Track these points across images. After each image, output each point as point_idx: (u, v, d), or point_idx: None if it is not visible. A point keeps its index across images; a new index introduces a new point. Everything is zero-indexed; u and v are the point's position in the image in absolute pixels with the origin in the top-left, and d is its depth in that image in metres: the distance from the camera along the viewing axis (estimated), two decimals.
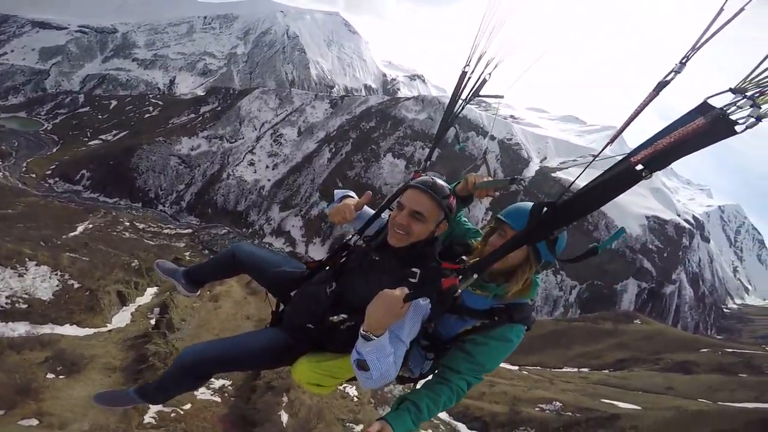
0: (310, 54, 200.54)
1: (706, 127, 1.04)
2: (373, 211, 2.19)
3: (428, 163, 2.37)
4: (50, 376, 7.37)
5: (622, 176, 1.25)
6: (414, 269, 1.81)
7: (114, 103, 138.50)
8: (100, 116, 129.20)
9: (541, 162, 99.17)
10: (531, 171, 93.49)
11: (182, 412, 7.40)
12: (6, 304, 10.82)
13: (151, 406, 7.29)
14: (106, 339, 10.43)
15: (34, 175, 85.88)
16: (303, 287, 2.13)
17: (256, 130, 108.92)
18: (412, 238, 1.84)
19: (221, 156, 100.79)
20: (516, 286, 1.85)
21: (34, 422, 6.03)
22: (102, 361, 8.21)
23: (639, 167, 1.21)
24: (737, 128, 1.02)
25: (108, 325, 12.41)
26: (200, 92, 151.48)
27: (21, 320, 10.26)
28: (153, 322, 12.44)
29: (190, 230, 79.43)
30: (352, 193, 2.25)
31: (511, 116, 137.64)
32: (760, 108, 1.01)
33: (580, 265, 74.73)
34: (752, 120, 1.01)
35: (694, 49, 1.16)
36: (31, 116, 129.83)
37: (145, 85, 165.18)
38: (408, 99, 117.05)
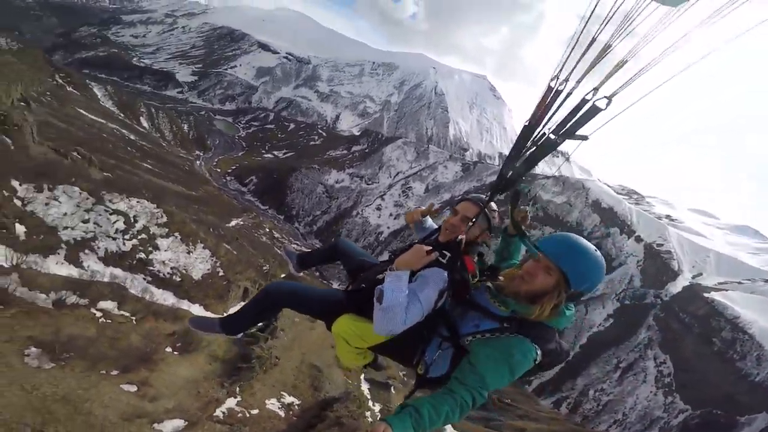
0: (451, 113, 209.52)
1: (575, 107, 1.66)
2: (436, 226, 2.73)
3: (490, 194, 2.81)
4: (168, 350, 7.95)
5: (543, 146, 1.78)
6: (445, 252, 2.17)
7: (292, 126, 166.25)
8: (279, 135, 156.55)
9: (693, 278, 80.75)
10: (677, 286, 76.79)
11: (248, 415, 8.04)
12: (168, 273, 13.36)
13: (227, 401, 8.14)
14: None
15: (219, 170, 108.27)
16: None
17: (390, 177, 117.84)
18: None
19: (357, 194, 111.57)
20: (538, 312, 1.90)
21: (133, 389, 6.45)
22: (210, 348, 9.04)
23: (552, 136, 1.71)
24: (599, 104, 1.62)
25: (224, 313, 14.49)
26: (356, 132, 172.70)
27: (170, 291, 12.40)
28: (259, 324, 14.18)
29: (310, 250, 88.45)
30: (422, 207, 2.97)
31: (668, 216, 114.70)
32: (597, 91, 1.62)
33: (701, 392, 60.07)
34: (601, 98, 1.62)
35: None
36: (234, 122, 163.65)
37: (318, 115, 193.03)
38: (546, 177, 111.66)
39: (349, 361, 2.55)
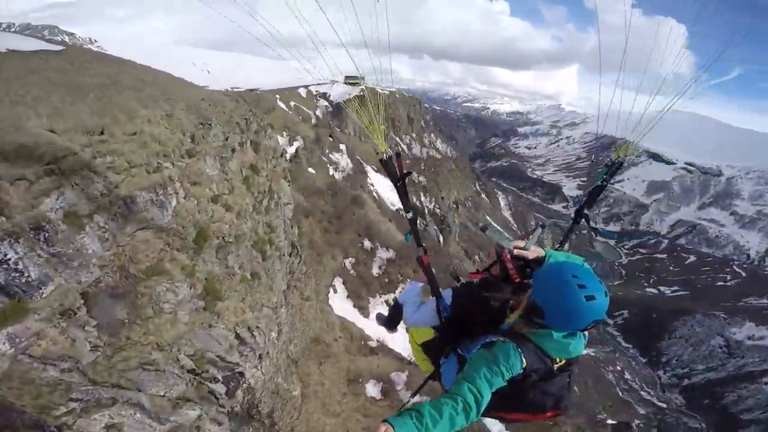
0: None
1: None
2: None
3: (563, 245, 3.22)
4: None
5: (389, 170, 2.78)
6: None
7: (692, 258, 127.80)
8: (671, 268, 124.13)
9: None
10: None
11: None
12: None
13: None
14: None
15: None
16: None
17: None
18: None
19: None
20: (519, 325, 2.24)
21: None
22: None
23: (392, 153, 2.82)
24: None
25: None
26: None
27: None
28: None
29: (664, 405, 65.72)
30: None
31: None
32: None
33: None
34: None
35: None
36: (616, 246, 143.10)
37: (734, 247, 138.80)
38: None
39: (416, 357, 3.27)
